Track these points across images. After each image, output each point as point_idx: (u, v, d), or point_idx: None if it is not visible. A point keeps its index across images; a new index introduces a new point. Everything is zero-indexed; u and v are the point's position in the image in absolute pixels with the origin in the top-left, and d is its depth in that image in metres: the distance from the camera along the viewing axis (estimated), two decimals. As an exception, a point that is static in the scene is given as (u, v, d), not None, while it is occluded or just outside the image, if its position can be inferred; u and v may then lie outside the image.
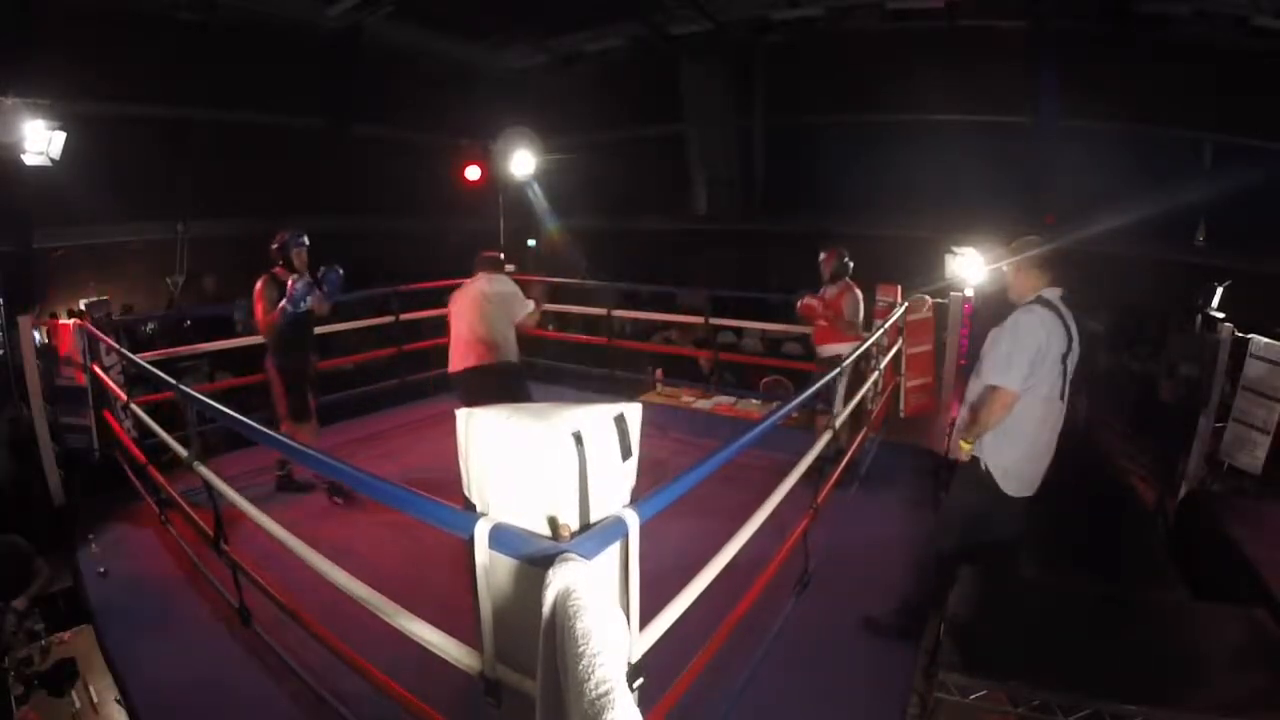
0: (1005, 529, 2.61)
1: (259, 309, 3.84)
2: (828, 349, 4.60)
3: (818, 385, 3.05)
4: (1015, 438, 2.48)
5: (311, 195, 9.92)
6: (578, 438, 1.09)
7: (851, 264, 4.68)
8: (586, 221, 11.16)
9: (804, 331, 8.32)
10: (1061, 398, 2.49)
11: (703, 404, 5.87)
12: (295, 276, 3.83)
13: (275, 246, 3.92)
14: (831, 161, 10.65)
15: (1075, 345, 2.48)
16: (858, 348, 3.57)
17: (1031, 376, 2.40)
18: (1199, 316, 3.96)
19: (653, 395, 6.16)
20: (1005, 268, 2.61)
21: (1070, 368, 2.47)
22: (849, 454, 3.88)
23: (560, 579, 0.94)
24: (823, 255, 4.74)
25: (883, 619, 2.74)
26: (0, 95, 3.84)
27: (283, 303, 3.78)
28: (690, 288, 7.62)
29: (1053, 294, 2.48)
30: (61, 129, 4.07)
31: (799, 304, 4.74)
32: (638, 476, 1.24)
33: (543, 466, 1.11)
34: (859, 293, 4.60)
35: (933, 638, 2.52)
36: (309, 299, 3.85)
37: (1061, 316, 2.44)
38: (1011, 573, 2.68)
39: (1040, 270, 2.51)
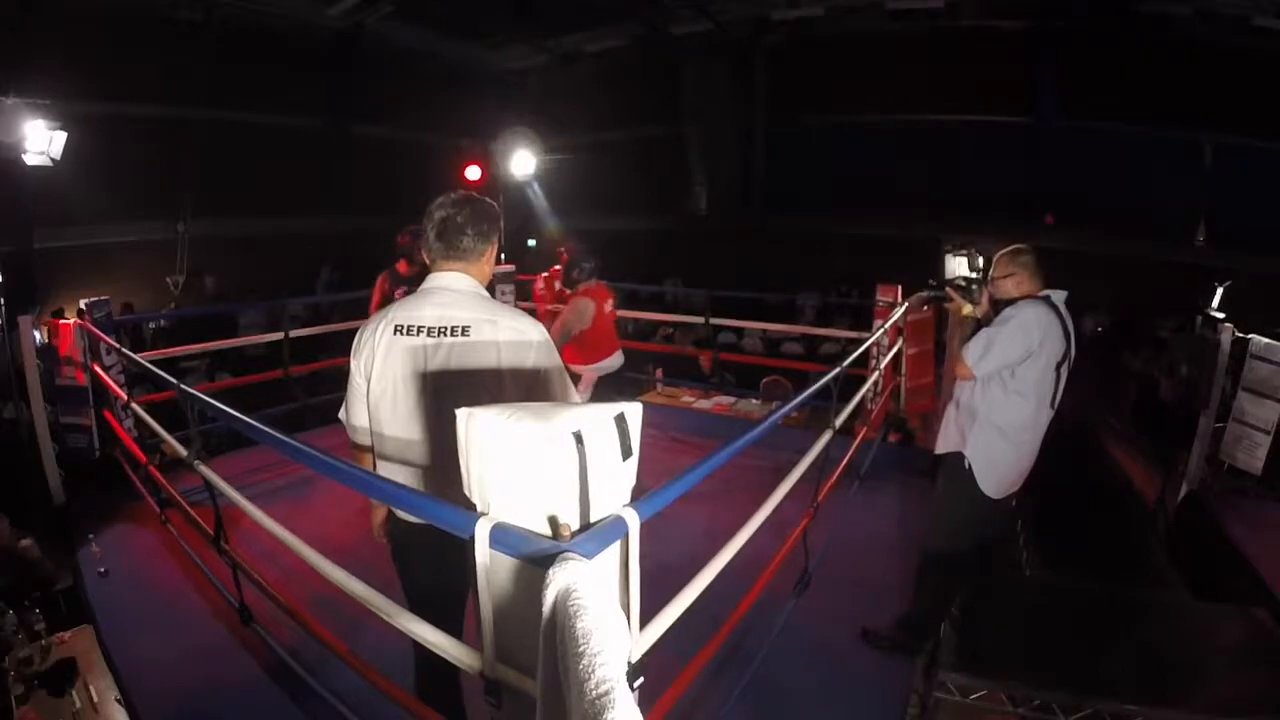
0: (989, 528, 2.62)
1: None
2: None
3: (819, 385, 3.04)
4: (1003, 442, 2.48)
5: (311, 195, 9.94)
6: (578, 437, 1.09)
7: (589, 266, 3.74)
8: (587, 221, 11.17)
9: (804, 331, 8.36)
10: (1051, 405, 2.47)
11: (703, 404, 5.86)
12: None
13: None
14: (832, 161, 10.66)
15: (1071, 351, 2.45)
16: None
17: (1010, 375, 2.40)
18: (1199, 316, 3.96)
19: (653, 395, 6.15)
20: (996, 276, 2.59)
21: (1064, 375, 2.46)
22: (850, 452, 3.87)
23: (561, 578, 0.94)
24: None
25: (880, 632, 2.73)
26: (1, 95, 3.84)
27: None
28: (689, 287, 7.61)
29: (1059, 296, 2.47)
30: (62, 129, 4.07)
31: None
32: (638, 476, 1.23)
33: (543, 466, 1.10)
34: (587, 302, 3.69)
35: (933, 637, 2.52)
36: None
37: (1062, 319, 2.41)
38: (999, 571, 2.68)
39: (1035, 276, 2.48)
